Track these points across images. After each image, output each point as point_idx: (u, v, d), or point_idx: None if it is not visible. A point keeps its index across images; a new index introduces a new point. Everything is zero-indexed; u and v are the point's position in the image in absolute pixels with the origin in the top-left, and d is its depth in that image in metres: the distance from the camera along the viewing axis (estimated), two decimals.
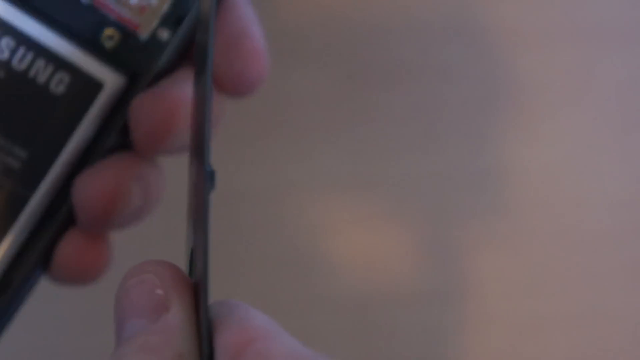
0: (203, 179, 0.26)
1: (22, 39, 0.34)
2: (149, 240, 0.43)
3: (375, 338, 0.45)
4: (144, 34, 0.35)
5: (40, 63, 0.35)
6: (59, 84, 0.35)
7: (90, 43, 0.35)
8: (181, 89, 0.35)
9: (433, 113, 0.46)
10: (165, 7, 0.35)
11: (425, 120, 0.46)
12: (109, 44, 0.35)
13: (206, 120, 0.27)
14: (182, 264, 0.28)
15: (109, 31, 0.35)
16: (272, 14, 0.45)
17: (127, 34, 0.35)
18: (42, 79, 0.35)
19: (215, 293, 0.26)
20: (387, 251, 0.45)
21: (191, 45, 0.35)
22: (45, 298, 0.40)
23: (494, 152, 0.46)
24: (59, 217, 0.35)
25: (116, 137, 0.35)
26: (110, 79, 0.35)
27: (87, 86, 0.35)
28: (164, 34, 0.35)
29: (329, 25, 0.45)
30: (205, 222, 0.26)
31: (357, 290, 0.45)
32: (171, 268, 0.27)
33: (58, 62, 0.35)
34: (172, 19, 0.35)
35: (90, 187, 0.35)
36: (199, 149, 0.28)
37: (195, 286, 0.27)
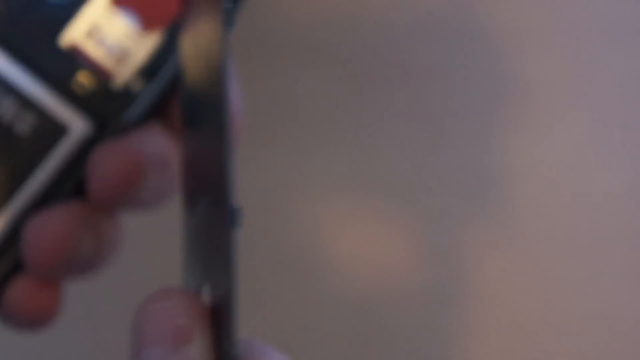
0: (226, 218, 0.26)
1: None
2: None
3: (376, 338, 0.44)
4: (117, 82, 0.34)
5: (6, 102, 0.34)
6: (23, 125, 0.34)
7: (60, 86, 0.34)
8: (144, 144, 0.34)
9: (435, 113, 0.46)
10: (142, 58, 0.35)
11: (428, 120, 0.46)
12: (79, 90, 0.34)
13: (227, 155, 0.26)
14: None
15: (81, 76, 0.34)
16: (274, 14, 0.45)
17: (99, 81, 0.34)
18: (6, 118, 0.34)
19: None
20: (389, 251, 0.45)
21: (165, 99, 0.35)
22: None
23: (496, 153, 0.46)
24: (8, 260, 0.34)
25: (76, 184, 0.34)
26: (76, 124, 0.34)
27: (51, 129, 0.34)
28: (138, 85, 0.35)
29: (332, 26, 0.45)
30: (231, 261, 0.26)
31: (359, 290, 0.45)
32: (194, 298, 0.26)
33: (24, 102, 0.34)
34: (148, 71, 0.35)
35: (38, 233, 0.34)
36: (217, 188, 0.27)
37: (213, 318, 0.26)
